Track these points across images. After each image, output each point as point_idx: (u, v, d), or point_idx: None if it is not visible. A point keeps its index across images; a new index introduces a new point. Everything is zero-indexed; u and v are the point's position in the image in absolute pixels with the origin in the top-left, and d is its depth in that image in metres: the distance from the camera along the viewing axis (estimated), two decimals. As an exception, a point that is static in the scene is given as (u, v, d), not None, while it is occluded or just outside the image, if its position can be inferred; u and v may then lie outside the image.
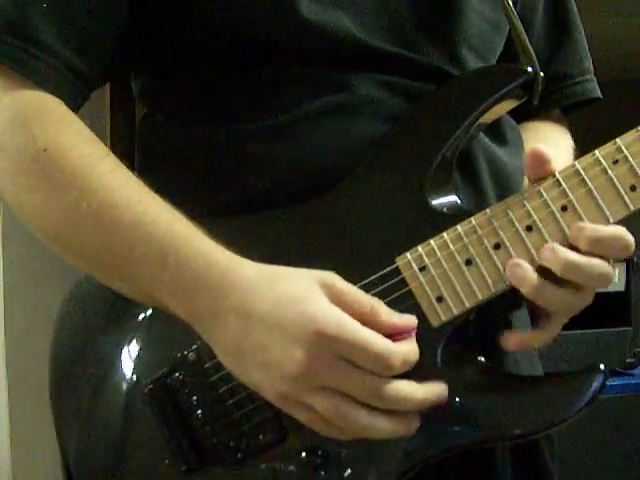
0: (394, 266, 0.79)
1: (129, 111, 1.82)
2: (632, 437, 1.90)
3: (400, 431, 0.74)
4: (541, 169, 0.78)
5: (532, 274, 0.76)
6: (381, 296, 0.78)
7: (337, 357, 0.71)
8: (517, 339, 0.80)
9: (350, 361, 0.71)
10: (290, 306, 0.72)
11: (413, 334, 0.75)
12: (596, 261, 0.75)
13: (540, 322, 0.80)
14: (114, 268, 0.79)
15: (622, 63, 2.06)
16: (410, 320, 0.75)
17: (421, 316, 0.77)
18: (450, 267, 0.78)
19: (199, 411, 0.82)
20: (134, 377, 0.86)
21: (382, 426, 0.73)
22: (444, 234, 0.78)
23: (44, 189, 0.78)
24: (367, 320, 0.73)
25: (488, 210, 0.78)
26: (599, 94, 1.06)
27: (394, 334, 0.73)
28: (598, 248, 0.75)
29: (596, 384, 0.77)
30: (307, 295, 0.73)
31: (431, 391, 0.75)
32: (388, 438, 0.74)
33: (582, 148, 1.04)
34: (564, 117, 1.08)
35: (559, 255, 0.75)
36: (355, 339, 0.71)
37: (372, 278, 0.79)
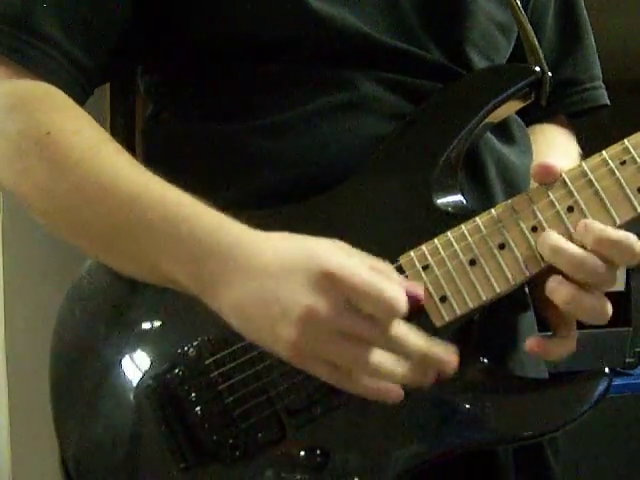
0: (397, 264, 0.79)
1: (129, 111, 1.82)
2: (632, 437, 1.90)
3: (417, 376, 0.72)
4: (551, 180, 0.77)
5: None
6: None
7: (344, 298, 0.69)
8: (540, 344, 0.79)
9: (357, 306, 0.69)
10: (295, 250, 0.71)
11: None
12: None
13: (559, 331, 0.80)
14: (119, 242, 0.78)
15: (626, 63, 2.06)
16: (418, 287, 0.74)
17: (424, 316, 0.77)
18: (454, 266, 0.77)
19: (198, 408, 0.82)
20: (134, 374, 0.86)
21: (401, 368, 0.71)
22: (448, 233, 0.78)
23: (48, 170, 0.78)
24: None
25: (493, 210, 0.78)
26: (607, 101, 1.06)
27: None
28: (604, 249, 0.74)
29: (600, 388, 0.77)
30: (313, 242, 0.72)
31: (441, 349, 0.73)
32: (409, 384, 0.72)
33: (583, 147, 1.04)
34: (568, 121, 1.08)
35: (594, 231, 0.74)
36: (364, 281, 0.69)
37: None
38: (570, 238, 0.76)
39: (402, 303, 0.69)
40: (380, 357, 0.70)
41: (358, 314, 0.69)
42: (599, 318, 0.75)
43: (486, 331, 0.82)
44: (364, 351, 0.70)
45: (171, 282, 0.76)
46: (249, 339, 0.74)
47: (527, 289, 0.86)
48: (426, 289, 0.78)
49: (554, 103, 0.89)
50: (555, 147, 1.03)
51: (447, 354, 0.73)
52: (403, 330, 0.71)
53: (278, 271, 0.71)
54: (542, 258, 0.76)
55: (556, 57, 1.01)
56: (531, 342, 0.79)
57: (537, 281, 0.78)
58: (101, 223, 0.78)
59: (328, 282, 0.69)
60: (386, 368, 0.71)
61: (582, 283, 0.74)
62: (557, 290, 0.74)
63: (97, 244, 0.81)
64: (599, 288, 0.75)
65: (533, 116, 0.97)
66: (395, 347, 0.71)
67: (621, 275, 1.92)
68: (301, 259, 0.70)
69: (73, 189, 0.77)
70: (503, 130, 0.91)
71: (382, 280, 0.70)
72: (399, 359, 0.71)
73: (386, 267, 0.73)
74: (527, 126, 0.98)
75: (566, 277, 0.74)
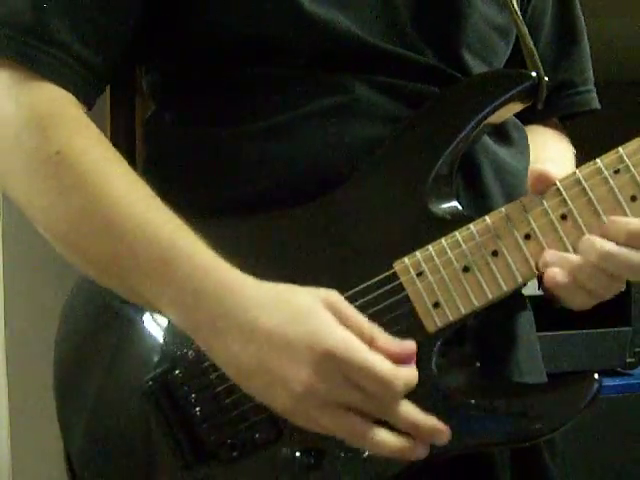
0: (391, 271, 0.79)
1: (129, 111, 1.81)
2: (632, 437, 1.89)
3: (408, 451, 0.75)
4: (545, 188, 0.77)
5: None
6: (378, 300, 0.79)
7: (343, 377, 0.72)
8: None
9: (355, 384, 0.72)
10: (296, 324, 0.73)
11: (413, 360, 0.75)
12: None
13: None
14: (117, 275, 0.79)
15: (622, 63, 2.06)
16: (410, 346, 0.75)
17: (417, 321, 0.78)
18: (447, 273, 0.78)
19: (197, 409, 0.83)
20: (134, 374, 0.86)
21: (391, 442, 0.74)
22: (442, 240, 0.79)
23: (54, 192, 0.78)
24: (367, 344, 0.73)
25: (487, 217, 0.78)
26: (598, 105, 1.06)
27: (394, 361, 0.74)
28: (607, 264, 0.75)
29: (590, 391, 0.77)
30: (313, 314, 0.73)
31: (433, 422, 0.76)
32: (398, 457, 0.76)
33: (579, 149, 1.04)
34: (560, 123, 1.08)
35: (595, 245, 0.75)
36: (363, 362, 0.72)
37: (370, 282, 0.80)
38: (564, 247, 0.76)
39: (400, 383, 0.73)
40: (375, 431, 0.74)
41: (357, 390, 0.72)
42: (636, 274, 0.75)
43: (482, 334, 0.83)
44: (360, 424, 0.74)
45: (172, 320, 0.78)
46: (243, 389, 0.77)
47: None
48: (420, 294, 0.78)
49: (548, 105, 0.89)
50: (550, 149, 1.03)
51: (440, 427, 0.76)
52: (400, 405, 0.74)
53: (279, 342, 0.72)
54: (535, 266, 0.76)
55: (552, 59, 1.01)
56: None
57: None
58: (98, 252, 0.79)
59: (329, 363, 0.72)
60: (381, 441, 0.74)
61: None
62: (594, 244, 0.74)
63: (94, 271, 0.82)
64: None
65: (526, 118, 0.97)
66: (392, 420, 0.74)
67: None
68: (303, 334, 0.72)
69: (73, 214, 0.78)
70: (499, 131, 0.91)
71: (380, 361, 0.72)
72: (393, 434, 0.75)
73: (377, 330, 0.75)
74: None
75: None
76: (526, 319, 0.94)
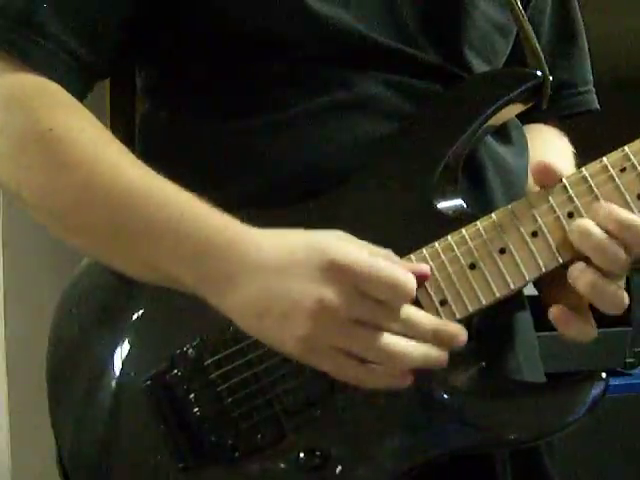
0: None
1: (129, 111, 1.82)
2: (632, 437, 1.89)
3: (432, 356, 0.73)
4: (549, 181, 0.77)
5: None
6: None
7: (352, 286, 0.70)
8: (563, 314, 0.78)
9: (366, 292, 0.70)
10: (299, 243, 0.72)
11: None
12: None
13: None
14: (123, 242, 0.78)
15: (620, 62, 2.06)
16: (424, 268, 0.75)
17: (416, 307, 0.77)
18: (454, 270, 0.78)
19: (197, 408, 0.82)
20: (132, 373, 0.86)
21: (414, 348, 0.72)
22: (449, 237, 0.78)
23: (51, 167, 0.78)
24: None
25: (493, 214, 0.78)
26: (597, 106, 1.06)
27: None
28: (627, 234, 0.74)
29: (595, 392, 0.77)
30: (315, 234, 0.73)
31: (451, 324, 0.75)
32: (424, 364, 0.73)
33: (579, 149, 1.04)
34: (559, 123, 1.08)
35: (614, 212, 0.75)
36: (370, 267, 0.70)
37: None
38: (571, 245, 0.76)
39: (411, 284, 0.71)
40: (394, 340, 0.71)
41: (368, 300, 0.70)
42: (617, 306, 0.76)
43: (483, 333, 0.83)
44: (377, 336, 0.71)
45: (175, 283, 0.76)
46: (256, 337, 0.75)
47: (536, 288, 0.86)
48: (426, 289, 0.78)
49: (547, 105, 0.89)
50: (551, 146, 1.03)
51: (457, 328, 0.74)
52: (413, 310, 0.73)
53: (285, 265, 0.71)
54: (543, 264, 0.76)
55: (551, 59, 1.01)
56: (555, 310, 0.78)
57: (549, 278, 0.79)
58: (103, 223, 0.78)
59: (336, 272, 0.70)
60: (400, 350, 0.71)
61: (603, 270, 0.75)
62: (580, 277, 0.75)
63: (99, 244, 0.81)
64: (616, 275, 0.76)
65: (525, 117, 0.97)
66: (407, 328, 0.72)
67: (621, 275, 1.91)
68: (306, 251, 0.71)
69: (75, 188, 0.77)
70: (500, 131, 0.91)
71: (389, 264, 0.71)
72: (410, 341, 0.72)
73: (387, 252, 0.74)
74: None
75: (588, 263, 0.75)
76: (525, 319, 0.94)
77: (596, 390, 0.77)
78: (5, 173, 0.80)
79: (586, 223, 0.75)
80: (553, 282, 0.80)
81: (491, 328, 0.85)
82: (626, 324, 1.92)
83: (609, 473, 1.88)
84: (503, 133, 0.91)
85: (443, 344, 0.74)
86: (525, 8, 0.97)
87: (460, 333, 0.74)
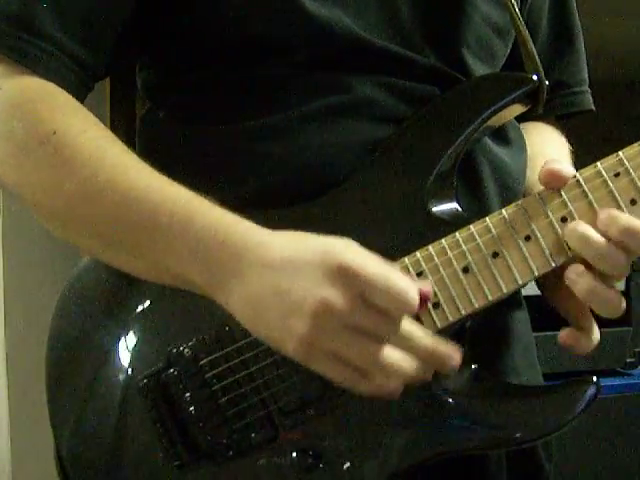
0: None
1: (129, 111, 1.82)
2: (632, 437, 1.89)
3: (421, 372, 0.74)
4: (559, 184, 0.77)
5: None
6: None
7: (357, 293, 0.70)
8: (572, 335, 0.80)
9: (370, 300, 0.70)
10: (310, 245, 0.72)
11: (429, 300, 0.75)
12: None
13: (580, 323, 0.81)
14: (128, 241, 0.78)
15: (618, 63, 2.06)
16: (427, 288, 0.75)
17: (417, 322, 0.77)
18: (447, 274, 0.78)
19: (192, 407, 0.83)
20: (129, 372, 0.86)
21: (407, 364, 0.72)
22: (442, 240, 0.78)
23: (55, 168, 0.78)
24: None
25: (487, 218, 0.78)
26: (592, 106, 1.07)
27: None
28: (629, 239, 0.75)
29: (588, 395, 0.77)
30: (328, 239, 0.73)
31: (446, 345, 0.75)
32: (413, 379, 0.73)
33: (577, 148, 1.04)
34: (555, 122, 1.08)
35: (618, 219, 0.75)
36: (377, 274, 0.70)
37: None
38: (563, 249, 0.76)
39: (415, 297, 0.70)
40: (389, 352, 0.71)
41: (371, 309, 0.70)
42: (615, 311, 0.76)
43: (479, 334, 0.83)
44: (374, 346, 0.71)
45: (181, 281, 0.77)
46: (257, 335, 0.75)
47: (538, 288, 0.87)
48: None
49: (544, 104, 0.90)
50: (550, 144, 1.03)
51: (451, 351, 0.74)
52: (412, 327, 0.73)
53: (294, 264, 0.71)
54: (536, 268, 0.76)
55: (548, 60, 1.01)
56: (564, 335, 0.80)
57: (551, 278, 0.80)
58: (108, 222, 0.78)
59: (343, 276, 0.70)
60: (394, 363, 0.71)
61: (602, 274, 0.75)
62: (578, 281, 0.75)
63: (103, 244, 0.81)
64: (615, 278, 0.76)
65: (522, 116, 0.97)
66: (405, 342, 0.72)
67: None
68: (316, 253, 0.71)
69: (80, 188, 0.78)
70: (498, 131, 0.91)
71: (397, 274, 0.71)
72: (406, 355, 0.72)
73: (392, 266, 0.74)
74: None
75: (587, 267, 0.75)
76: (522, 319, 0.94)
77: (589, 393, 0.78)
78: (9, 176, 0.81)
79: (585, 229, 0.75)
80: (555, 282, 0.80)
81: (487, 328, 0.85)
82: (626, 324, 1.92)
83: (609, 473, 1.88)
84: (501, 134, 0.91)
85: (436, 364, 0.74)
86: (522, 7, 0.97)
87: (454, 357, 0.74)
